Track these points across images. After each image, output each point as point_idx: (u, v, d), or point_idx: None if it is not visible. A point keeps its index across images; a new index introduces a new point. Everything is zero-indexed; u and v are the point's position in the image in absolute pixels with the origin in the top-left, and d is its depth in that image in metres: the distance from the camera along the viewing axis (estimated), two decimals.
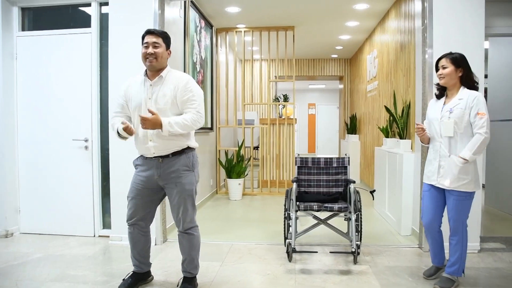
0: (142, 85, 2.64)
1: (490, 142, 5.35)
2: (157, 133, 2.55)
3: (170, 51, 2.71)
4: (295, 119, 7.11)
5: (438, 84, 2.92)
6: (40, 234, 4.19)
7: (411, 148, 4.35)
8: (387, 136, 5.17)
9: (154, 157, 2.63)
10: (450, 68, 2.79)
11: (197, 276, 2.83)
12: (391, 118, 5.02)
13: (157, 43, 2.60)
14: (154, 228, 3.82)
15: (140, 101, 2.60)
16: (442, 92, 2.91)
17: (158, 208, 3.77)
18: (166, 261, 3.41)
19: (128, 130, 2.53)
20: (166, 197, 2.79)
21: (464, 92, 2.79)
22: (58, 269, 3.21)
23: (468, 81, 2.80)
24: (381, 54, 6.28)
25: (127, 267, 3.07)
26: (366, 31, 6.98)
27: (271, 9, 5.78)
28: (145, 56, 2.59)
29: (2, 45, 4.10)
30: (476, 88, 2.82)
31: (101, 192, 4.16)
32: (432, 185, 2.89)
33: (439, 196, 2.88)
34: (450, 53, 2.84)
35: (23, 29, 4.28)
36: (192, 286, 2.74)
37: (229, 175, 6.26)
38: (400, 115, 4.72)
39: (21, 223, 4.26)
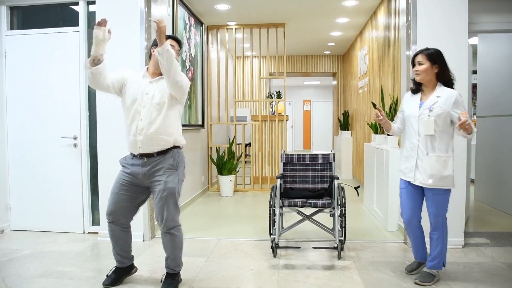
0: (142, 80, 2.73)
1: (480, 138, 5.34)
2: (146, 126, 2.61)
3: None
4: (287, 115, 7.14)
5: (414, 80, 2.93)
6: (30, 231, 4.23)
7: (398, 144, 4.39)
8: (376, 133, 5.20)
9: (140, 155, 2.67)
10: (426, 64, 2.78)
11: (180, 271, 2.87)
12: None
13: (180, 51, 2.85)
14: (142, 224, 3.87)
15: (137, 95, 2.67)
16: (417, 87, 2.91)
17: (146, 205, 3.82)
18: (153, 257, 3.45)
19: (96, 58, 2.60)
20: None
21: (441, 89, 2.80)
22: (46, 265, 3.25)
23: (444, 77, 2.81)
24: (371, 51, 6.31)
25: (114, 263, 3.10)
26: (357, 27, 7.01)
27: (261, 7, 5.80)
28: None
29: None
30: (451, 85, 2.82)
31: (90, 189, 4.20)
32: (409, 182, 2.92)
33: (416, 192, 2.91)
34: (426, 49, 2.84)
35: (11, 28, 4.31)
36: (175, 281, 2.78)
37: (220, 172, 6.31)
38: (388, 112, 4.75)
39: (12, 220, 4.31)
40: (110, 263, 3.23)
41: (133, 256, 2.99)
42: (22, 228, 4.28)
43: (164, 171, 2.67)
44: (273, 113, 8.60)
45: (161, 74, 2.70)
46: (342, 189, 3.55)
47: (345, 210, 3.53)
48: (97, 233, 4.05)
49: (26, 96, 4.22)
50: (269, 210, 3.57)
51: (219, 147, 6.71)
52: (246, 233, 4.18)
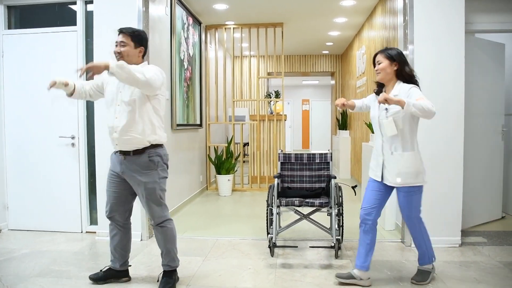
0: (115, 80, 2.66)
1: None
2: (120, 125, 2.61)
3: (142, 48, 2.72)
4: (285, 115, 7.15)
5: (377, 82, 2.90)
6: (28, 230, 4.23)
7: None
8: (373, 132, 5.20)
9: (119, 152, 2.70)
10: (384, 62, 2.77)
11: (178, 270, 2.87)
12: None
13: (123, 42, 2.66)
14: (140, 224, 3.87)
15: (113, 94, 2.68)
16: (380, 89, 2.88)
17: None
18: (150, 256, 3.45)
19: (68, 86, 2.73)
20: None
21: (399, 87, 2.75)
22: (43, 265, 3.25)
23: (404, 75, 2.76)
24: (369, 50, 6.32)
25: None
26: (355, 27, 7.02)
27: (259, 6, 5.81)
28: (114, 55, 2.68)
29: None
30: (414, 82, 2.76)
31: (88, 188, 4.20)
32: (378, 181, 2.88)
33: (384, 190, 2.87)
34: (386, 49, 2.85)
35: (9, 27, 4.30)
36: (171, 279, 2.78)
37: (219, 171, 6.31)
38: None
39: (10, 220, 4.30)
40: (107, 263, 3.22)
41: (127, 262, 2.95)
42: (20, 227, 4.27)
43: (141, 172, 2.67)
44: (272, 113, 8.60)
45: None
46: (340, 188, 3.56)
47: (342, 209, 3.54)
48: (95, 232, 4.04)
49: (24, 95, 4.22)
50: (267, 210, 3.57)
51: (217, 147, 6.71)
52: (243, 233, 4.18)
